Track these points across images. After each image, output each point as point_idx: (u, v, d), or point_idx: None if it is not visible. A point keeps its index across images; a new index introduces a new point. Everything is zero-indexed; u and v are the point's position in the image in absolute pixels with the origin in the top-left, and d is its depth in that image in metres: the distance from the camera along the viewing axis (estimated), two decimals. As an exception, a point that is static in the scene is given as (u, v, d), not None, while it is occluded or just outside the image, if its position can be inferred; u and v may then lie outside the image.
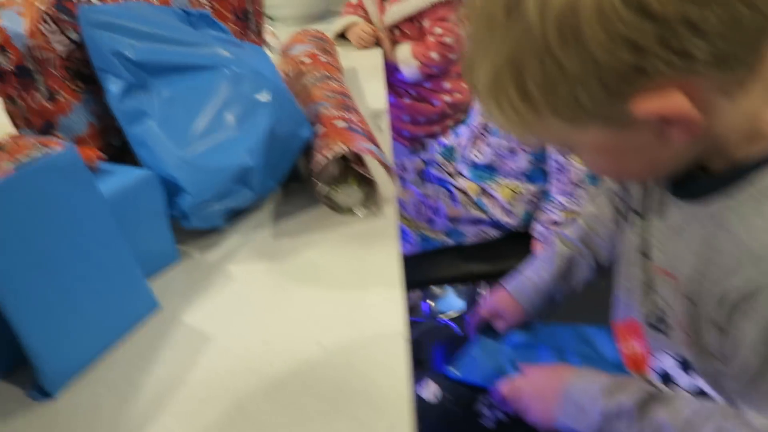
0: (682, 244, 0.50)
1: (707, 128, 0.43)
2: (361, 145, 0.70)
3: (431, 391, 0.75)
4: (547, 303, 0.77)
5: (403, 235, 1.17)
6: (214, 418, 0.46)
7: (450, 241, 1.18)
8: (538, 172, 1.13)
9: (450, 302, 1.94)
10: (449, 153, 1.32)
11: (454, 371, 0.75)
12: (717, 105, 0.42)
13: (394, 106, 1.66)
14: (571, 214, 1.06)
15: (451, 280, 1.20)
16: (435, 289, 1.96)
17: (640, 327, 0.60)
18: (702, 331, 0.49)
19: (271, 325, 0.56)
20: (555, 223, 1.08)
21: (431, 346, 0.84)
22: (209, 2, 0.84)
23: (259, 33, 0.95)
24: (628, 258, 0.61)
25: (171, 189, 0.64)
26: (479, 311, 0.81)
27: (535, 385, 0.63)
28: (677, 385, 0.57)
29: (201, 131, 0.66)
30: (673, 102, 0.40)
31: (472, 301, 1.60)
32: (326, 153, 0.68)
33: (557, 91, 0.41)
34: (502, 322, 0.78)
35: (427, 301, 1.96)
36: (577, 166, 1.04)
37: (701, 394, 0.55)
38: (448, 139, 1.34)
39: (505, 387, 0.65)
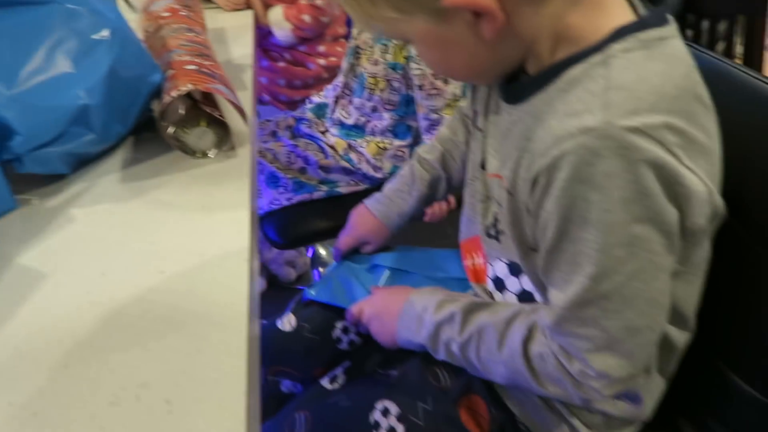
0: (509, 144, 0.55)
1: (516, 29, 0.48)
2: (210, 86, 0.69)
3: (288, 321, 0.77)
4: (407, 222, 0.83)
5: (278, 181, 1.18)
6: (46, 350, 0.45)
7: (324, 188, 1.20)
8: (403, 128, 1.17)
9: (340, 269, 1.96)
10: (319, 110, 1.33)
11: (310, 292, 0.78)
12: (519, 7, 0.47)
13: (269, 70, 1.64)
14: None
15: (333, 233, 1.21)
16: (323, 254, 1.98)
17: (480, 240, 0.64)
18: (522, 224, 0.54)
19: (112, 259, 0.54)
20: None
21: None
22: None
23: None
24: (472, 174, 0.66)
25: (1, 131, 0.60)
26: (346, 238, 0.83)
27: (379, 305, 0.67)
28: (507, 289, 0.62)
29: (32, 69, 0.63)
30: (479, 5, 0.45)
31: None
32: (172, 92, 0.67)
33: None
34: (369, 246, 0.82)
35: (319, 268, 1.97)
36: (447, 119, 1.09)
37: (527, 295, 0.60)
38: (319, 98, 1.35)
39: (354, 308, 0.68)
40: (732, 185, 0.52)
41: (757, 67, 1.16)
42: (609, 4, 0.49)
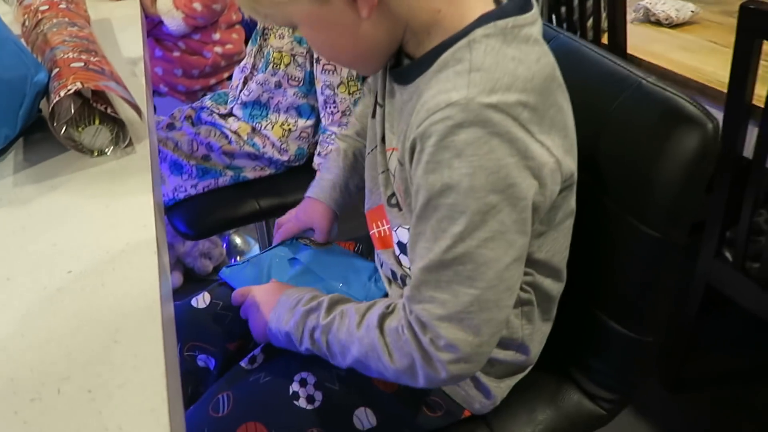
0: (402, 120, 0.60)
1: (392, 11, 0.54)
2: (100, 83, 0.69)
3: (202, 298, 0.79)
4: (346, 195, 0.86)
5: (181, 168, 1.17)
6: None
7: (230, 173, 1.21)
8: (306, 108, 1.20)
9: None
10: (219, 97, 1.33)
11: (225, 272, 0.81)
12: None
13: (164, 60, 1.61)
14: None
15: (242, 220, 1.23)
16: (238, 243, 1.98)
17: (384, 209, 0.69)
18: (409, 192, 0.58)
19: (16, 263, 0.54)
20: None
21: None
22: None
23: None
24: (371, 148, 0.70)
25: None
26: (288, 224, 0.86)
27: (262, 295, 0.70)
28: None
29: None
30: None
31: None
32: (59, 91, 0.66)
33: None
34: (318, 233, 0.85)
35: (236, 257, 1.97)
36: (342, 96, 1.12)
37: None
38: (221, 87, 1.35)
39: (241, 290, 0.72)
40: (587, 148, 0.60)
41: (622, 39, 1.28)
42: None
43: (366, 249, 0.88)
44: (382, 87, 0.67)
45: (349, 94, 1.12)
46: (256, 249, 1.97)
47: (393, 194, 0.66)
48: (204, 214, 1.20)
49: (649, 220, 0.60)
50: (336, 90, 1.12)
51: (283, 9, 0.55)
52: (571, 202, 0.60)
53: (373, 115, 0.69)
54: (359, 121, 0.87)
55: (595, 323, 0.69)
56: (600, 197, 0.64)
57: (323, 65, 1.11)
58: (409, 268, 0.59)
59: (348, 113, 1.14)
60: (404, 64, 0.60)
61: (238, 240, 1.97)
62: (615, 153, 0.62)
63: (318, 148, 1.20)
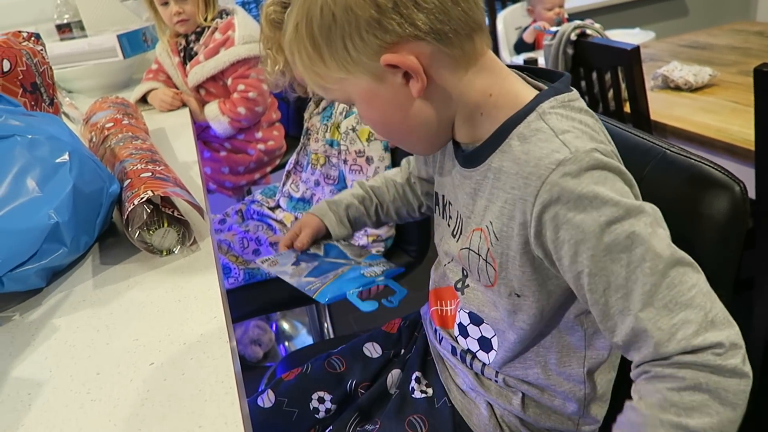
0: (483, 201, 0.64)
1: (443, 92, 0.60)
2: (167, 190, 0.77)
3: (267, 398, 0.82)
4: (349, 213, 0.91)
5: (228, 271, 1.23)
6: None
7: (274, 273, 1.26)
8: (342, 200, 1.27)
9: (304, 340, 2.00)
10: (269, 191, 1.42)
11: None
12: (441, 72, 0.59)
13: (212, 160, 1.72)
14: (374, 237, 1.20)
15: (284, 305, 1.27)
16: (286, 329, 2.02)
17: (451, 291, 0.73)
18: (507, 265, 0.62)
19: (102, 359, 0.59)
20: (362, 246, 1.21)
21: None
22: (-6, 79, 0.86)
23: (52, 103, 0.98)
24: (443, 238, 0.75)
25: (-22, 258, 0.65)
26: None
27: None
28: (470, 335, 0.71)
29: (2, 197, 0.69)
30: (407, 59, 0.57)
31: (320, 335, 1.68)
32: (133, 200, 0.74)
33: (332, 36, 0.58)
34: (302, 236, 0.90)
35: (284, 343, 2.00)
36: None
37: (485, 341, 0.69)
38: (266, 183, 1.44)
39: None
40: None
41: (643, 106, 1.34)
42: (513, 77, 0.63)
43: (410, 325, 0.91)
44: (451, 183, 0.72)
45: None
46: (304, 333, 2.00)
47: (461, 279, 0.71)
48: (239, 303, 1.25)
49: None
50: None
51: (343, 85, 0.62)
52: None
53: (442, 215, 0.76)
54: (383, 181, 0.93)
55: None
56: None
57: (350, 166, 1.18)
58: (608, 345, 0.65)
59: None
60: (469, 148, 0.66)
61: (286, 325, 2.01)
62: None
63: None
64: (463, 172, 0.68)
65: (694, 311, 0.50)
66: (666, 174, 0.63)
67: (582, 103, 0.61)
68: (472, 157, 0.65)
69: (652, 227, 0.52)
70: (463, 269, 0.71)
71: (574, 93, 0.62)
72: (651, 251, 0.51)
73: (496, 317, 0.68)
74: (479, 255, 0.65)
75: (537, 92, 0.62)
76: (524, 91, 0.62)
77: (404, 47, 0.57)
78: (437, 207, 0.79)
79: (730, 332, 0.50)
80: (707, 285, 0.52)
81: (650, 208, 0.54)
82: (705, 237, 0.60)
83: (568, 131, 0.56)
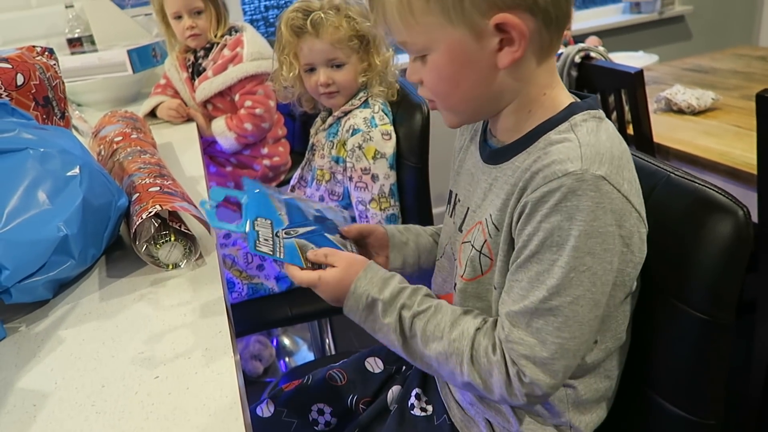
0: (493, 194, 0.66)
1: (518, 73, 0.61)
2: (175, 204, 0.78)
3: (266, 407, 0.82)
4: (409, 253, 0.85)
5: (232, 286, 1.24)
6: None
7: (278, 288, 1.27)
8: (348, 219, 1.27)
9: (304, 356, 2.00)
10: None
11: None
12: (529, 56, 0.61)
13: (218, 175, 1.73)
14: None
15: (287, 321, 1.28)
16: (287, 344, 2.01)
17: (450, 297, 0.74)
18: (499, 254, 0.64)
19: (107, 371, 0.60)
20: None
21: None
22: (7, 92, 0.88)
23: (63, 116, 0.99)
24: (450, 237, 0.76)
25: (-13, 268, 0.66)
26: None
27: (345, 260, 0.71)
28: None
29: (14, 209, 0.70)
30: (523, 25, 0.58)
31: (321, 351, 1.68)
32: (141, 214, 0.75)
33: None
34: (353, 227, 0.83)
35: (285, 358, 2.00)
36: (373, 212, 1.19)
37: None
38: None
39: (320, 252, 0.72)
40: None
41: (647, 129, 1.35)
42: (563, 85, 0.66)
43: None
44: (470, 184, 0.74)
45: (380, 209, 1.17)
46: (305, 349, 2.00)
47: (458, 277, 0.72)
48: (251, 314, 1.25)
49: (694, 303, 0.63)
50: (367, 206, 1.18)
51: (433, 33, 0.60)
52: (634, 283, 0.64)
53: (451, 214, 0.77)
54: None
55: (652, 406, 0.70)
56: (645, 283, 0.67)
57: (355, 182, 1.18)
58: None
59: None
60: (498, 146, 0.68)
61: (287, 341, 2.01)
62: (655, 240, 0.66)
63: None
64: (484, 168, 0.70)
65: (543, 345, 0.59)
66: (670, 197, 0.64)
67: (609, 122, 0.64)
68: (498, 154, 0.67)
69: (576, 301, 0.58)
70: (458, 266, 0.72)
71: (601, 111, 0.65)
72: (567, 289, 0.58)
73: (482, 307, 0.69)
74: (473, 246, 0.68)
75: (567, 101, 0.65)
76: (565, 99, 0.65)
77: (516, 15, 0.58)
78: (448, 206, 0.79)
79: (547, 381, 0.59)
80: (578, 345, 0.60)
81: (604, 274, 0.58)
82: (708, 260, 0.61)
83: (591, 146, 0.59)
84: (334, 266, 0.70)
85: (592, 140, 0.59)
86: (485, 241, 0.66)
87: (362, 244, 0.83)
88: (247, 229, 0.72)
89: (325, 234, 0.78)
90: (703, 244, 0.61)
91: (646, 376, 0.70)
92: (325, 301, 0.71)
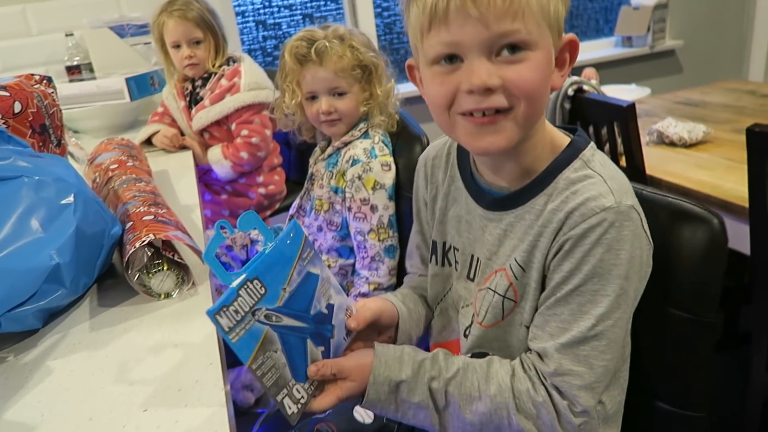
0: (512, 240, 0.67)
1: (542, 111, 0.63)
2: (169, 233, 0.77)
3: None
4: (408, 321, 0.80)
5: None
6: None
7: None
8: (345, 249, 1.27)
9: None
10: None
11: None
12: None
13: (212, 203, 1.73)
14: (375, 285, 1.20)
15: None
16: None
17: (456, 343, 0.74)
18: (527, 294, 0.66)
19: (96, 404, 0.59)
20: (363, 294, 1.21)
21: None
22: (4, 120, 0.88)
23: (59, 144, 0.99)
24: (451, 288, 0.76)
25: (-23, 298, 0.65)
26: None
27: (351, 359, 0.67)
28: None
29: (6, 236, 0.69)
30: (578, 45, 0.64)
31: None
32: (135, 243, 0.74)
33: None
34: (355, 314, 0.73)
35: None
36: (371, 242, 1.19)
37: None
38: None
39: (327, 365, 0.65)
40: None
41: (639, 161, 1.36)
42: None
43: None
44: (470, 239, 0.74)
45: (379, 240, 1.17)
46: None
47: (469, 326, 0.72)
48: (230, 349, 1.24)
49: (679, 304, 0.67)
50: (366, 236, 1.18)
51: (542, 30, 0.59)
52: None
53: (442, 263, 0.77)
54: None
55: (644, 406, 0.72)
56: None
57: (354, 213, 1.18)
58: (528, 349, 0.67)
59: (378, 259, 1.19)
60: (502, 192, 0.69)
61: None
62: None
63: (350, 288, 1.25)
64: (488, 215, 0.70)
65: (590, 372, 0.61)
66: (648, 212, 0.66)
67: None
68: (510, 200, 0.67)
69: (617, 323, 0.61)
70: (473, 313, 0.72)
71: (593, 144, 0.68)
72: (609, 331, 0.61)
73: (500, 347, 0.70)
74: (495, 292, 0.68)
75: (566, 138, 0.67)
76: (560, 136, 0.67)
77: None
78: (434, 256, 0.79)
79: (593, 404, 0.62)
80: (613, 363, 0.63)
81: (633, 293, 0.62)
82: (689, 264, 0.66)
83: (613, 179, 0.62)
84: (345, 379, 0.65)
85: (611, 173, 0.63)
86: (510, 284, 0.67)
87: (370, 326, 0.74)
88: (235, 284, 0.57)
89: (308, 340, 0.64)
90: (683, 251, 0.65)
91: (639, 378, 0.71)
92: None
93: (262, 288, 0.59)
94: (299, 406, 0.61)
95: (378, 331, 0.77)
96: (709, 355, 0.68)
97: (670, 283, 0.67)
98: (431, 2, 0.57)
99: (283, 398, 0.60)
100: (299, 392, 0.61)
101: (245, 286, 0.58)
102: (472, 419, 0.64)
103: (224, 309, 0.56)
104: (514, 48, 0.58)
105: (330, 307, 0.67)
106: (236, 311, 0.57)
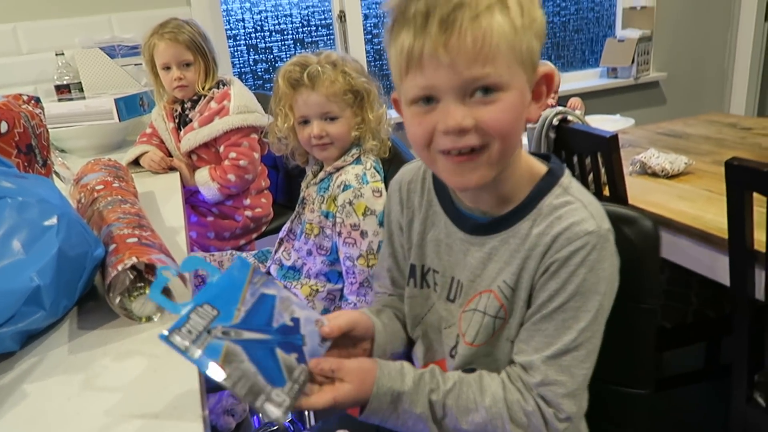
0: (496, 263, 0.70)
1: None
2: (152, 257, 0.77)
3: None
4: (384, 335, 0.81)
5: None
6: None
7: None
8: (334, 274, 1.27)
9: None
10: (261, 256, 1.42)
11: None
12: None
13: (198, 225, 1.73)
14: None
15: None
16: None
17: (442, 363, 0.75)
18: (515, 312, 0.69)
19: (72, 428, 0.58)
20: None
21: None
22: (-10, 140, 0.88)
23: (45, 164, 0.99)
24: (430, 310, 0.77)
25: (-46, 319, 0.65)
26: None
27: (356, 365, 0.68)
28: None
29: (-14, 259, 0.69)
30: (557, 78, 0.65)
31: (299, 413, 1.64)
32: (117, 266, 0.74)
33: (534, 18, 0.61)
34: (328, 321, 0.73)
35: (258, 414, 1.94)
36: (360, 268, 1.19)
37: None
38: (251, 249, 1.44)
39: (328, 363, 0.66)
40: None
41: (622, 191, 1.38)
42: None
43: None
44: (450, 261, 0.76)
45: (368, 266, 1.17)
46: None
47: (454, 346, 0.74)
48: None
49: (625, 294, 0.71)
50: (355, 262, 1.18)
51: (514, 71, 0.60)
52: None
53: (421, 285, 0.79)
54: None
55: (596, 388, 0.73)
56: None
57: (344, 238, 1.18)
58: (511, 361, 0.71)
59: (366, 285, 1.19)
60: (485, 217, 0.71)
61: (261, 396, 1.95)
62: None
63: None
64: (470, 239, 0.72)
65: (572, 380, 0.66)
66: None
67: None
68: (494, 225, 0.70)
69: (595, 335, 0.67)
70: (457, 334, 0.73)
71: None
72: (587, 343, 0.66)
73: (488, 362, 0.72)
74: (486, 313, 0.71)
75: (543, 165, 0.70)
76: (537, 164, 0.71)
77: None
78: (412, 279, 0.79)
79: (575, 410, 0.66)
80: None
81: (608, 305, 0.68)
82: (627, 257, 0.71)
83: (592, 203, 0.67)
84: (343, 380, 0.66)
85: (588, 199, 0.68)
86: (501, 305, 0.70)
87: (346, 337, 0.75)
88: (184, 311, 0.60)
89: (277, 349, 0.65)
90: (624, 248, 0.70)
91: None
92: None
93: (214, 310, 0.63)
94: (283, 408, 0.62)
95: (353, 342, 0.77)
96: (651, 337, 0.77)
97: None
98: (407, 47, 0.60)
99: (263, 404, 0.61)
100: (279, 396, 0.62)
101: (195, 311, 0.62)
102: (468, 429, 0.68)
103: (176, 331, 0.59)
104: (487, 90, 0.60)
105: (295, 320, 0.69)
106: (189, 331, 0.60)
